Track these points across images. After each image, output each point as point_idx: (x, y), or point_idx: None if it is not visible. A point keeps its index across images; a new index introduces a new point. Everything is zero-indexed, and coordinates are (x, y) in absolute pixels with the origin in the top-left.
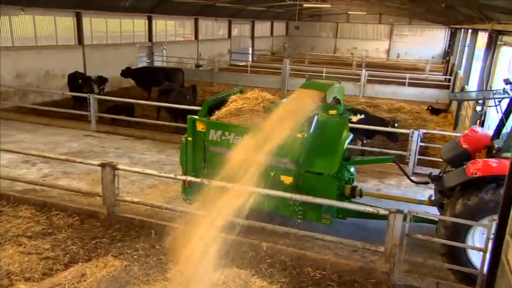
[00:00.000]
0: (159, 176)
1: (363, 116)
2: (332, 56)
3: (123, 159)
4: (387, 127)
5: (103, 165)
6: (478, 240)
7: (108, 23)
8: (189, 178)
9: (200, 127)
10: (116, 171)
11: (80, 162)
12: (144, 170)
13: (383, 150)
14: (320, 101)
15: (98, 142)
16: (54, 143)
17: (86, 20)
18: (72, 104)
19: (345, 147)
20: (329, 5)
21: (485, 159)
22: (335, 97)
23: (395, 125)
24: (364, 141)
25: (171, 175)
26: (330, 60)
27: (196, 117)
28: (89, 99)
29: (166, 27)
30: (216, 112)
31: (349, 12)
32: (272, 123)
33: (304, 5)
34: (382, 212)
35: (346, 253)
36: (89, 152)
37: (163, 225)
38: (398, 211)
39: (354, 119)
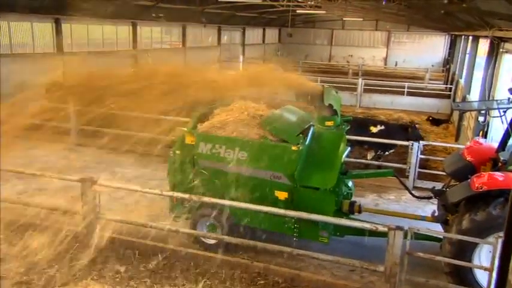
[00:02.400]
0: (144, 192)
1: (383, 127)
2: (327, 64)
3: (105, 175)
4: (408, 131)
5: (83, 181)
6: (486, 258)
7: (90, 30)
8: (177, 194)
9: (189, 140)
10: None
11: (58, 178)
12: (128, 185)
13: (382, 163)
14: (317, 95)
15: (78, 156)
16: (29, 157)
17: (65, 27)
18: (51, 116)
19: (342, 160)
20: (323, 11)
21: (491, 173)
22: (330, 104)
23: (416, 126)
24: (387, 153)
25: (157, 191)
26: (325, 68)
27: (185, 129)
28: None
29: (152, 34)
30: (198, 126)
31: (344, 19)
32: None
33: (298, 11)
34: (381, 228)
35: (344, 273)
36: (68, 166)
37: (148, 245)
38: (398, 228)
39: (374, 130)
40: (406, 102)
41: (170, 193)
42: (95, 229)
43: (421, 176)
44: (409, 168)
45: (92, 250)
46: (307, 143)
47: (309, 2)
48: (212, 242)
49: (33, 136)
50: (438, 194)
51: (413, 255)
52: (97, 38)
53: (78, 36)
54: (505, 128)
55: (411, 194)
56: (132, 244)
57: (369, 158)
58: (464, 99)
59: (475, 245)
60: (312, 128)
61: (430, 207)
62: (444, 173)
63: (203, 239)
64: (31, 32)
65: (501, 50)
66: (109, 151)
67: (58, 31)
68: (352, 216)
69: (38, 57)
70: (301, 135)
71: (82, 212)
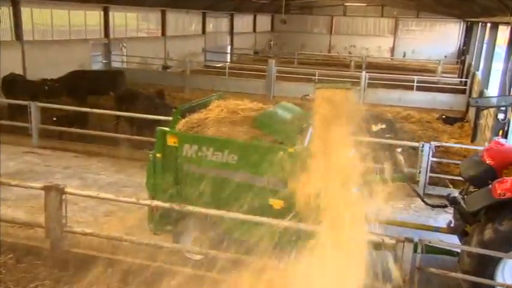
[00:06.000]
0: (118, 201)
1: (384, 126)
2: (326, 56)
3: (73, 181)
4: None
5: (47, 189)
6: (510, 274)
7: (54, 15)
8: (156, 203)
9: (172, 141)
10: (64, 196)
11: (17, 186)
12: (99, 193)
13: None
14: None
15: (41, 160)
16: None
17: (25, 11)
18: (8, 114)
19: None
20: None
21: None
22: None
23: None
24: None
25: (133, 199)
26: (324, 60)
27: (167, 129)
28: (30, 108)
29: (127, 20)
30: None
31: (346, 4)
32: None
33: None
34: (388, 240)
35: None
36: (30, 172)
37: (123, 262)
38: (408, 240)
39: (374, 128)
40: (416, 98)
41: (148, 202)
42: (60, 244)
43: (433, 182)
44: (419, 173)
45: (56, 269)
46: (305, 144)
47: None
48: (198, 257)
49: None
50: (454, 202)
51: (425, 270)
52: (63, 25)
53: (41, 23)
54: None
55: (424, 201)
56: (104, 261)
57: None
58: (481, 94)
59: (499, 258)
60: (310, 128)
61: (444, 217)
62: (460, 178)
63: (187, 255)
64: None
65: None
66: (77, 154)
67: (16, 16)
68: None
69: None
70: (298, 135)
71: (46, 225)
